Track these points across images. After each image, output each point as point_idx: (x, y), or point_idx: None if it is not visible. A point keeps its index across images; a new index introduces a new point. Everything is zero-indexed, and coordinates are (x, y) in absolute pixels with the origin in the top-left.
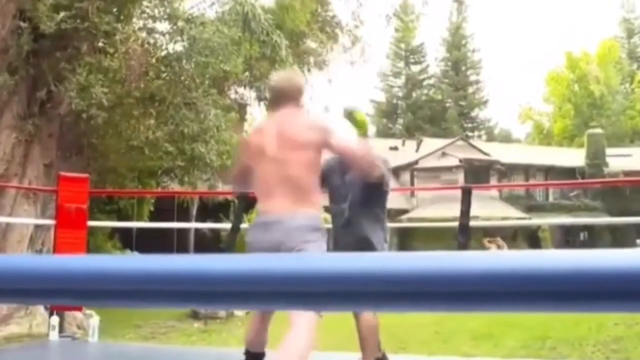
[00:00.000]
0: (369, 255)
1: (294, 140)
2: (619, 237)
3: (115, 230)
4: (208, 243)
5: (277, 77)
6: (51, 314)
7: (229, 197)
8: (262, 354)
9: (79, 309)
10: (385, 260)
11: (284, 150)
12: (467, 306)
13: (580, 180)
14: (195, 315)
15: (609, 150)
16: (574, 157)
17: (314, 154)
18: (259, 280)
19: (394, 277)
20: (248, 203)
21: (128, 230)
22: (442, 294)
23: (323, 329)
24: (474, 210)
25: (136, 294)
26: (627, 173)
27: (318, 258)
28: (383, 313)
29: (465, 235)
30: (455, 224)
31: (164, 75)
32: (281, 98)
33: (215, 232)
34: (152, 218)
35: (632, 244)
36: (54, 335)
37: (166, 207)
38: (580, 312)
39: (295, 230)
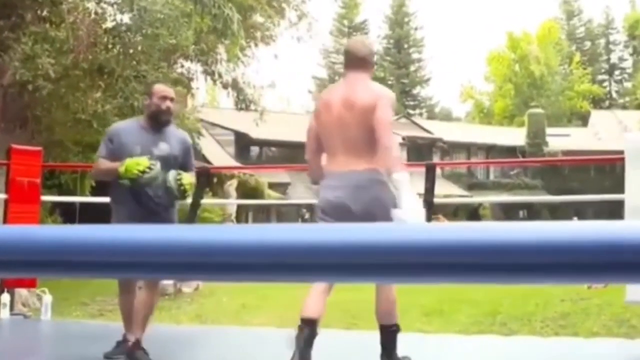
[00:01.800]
0: (326, 227)
1: (355, 104)
2: (557, 215)
3: (55, 205)
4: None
5: (352, 41)
6: (1, 292)
7: None
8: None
9: (33, 284)
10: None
11: (346, 112)
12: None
13: (520, 159)
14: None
15: (548, 130)
16: (515, 136)
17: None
18: (203, 251)
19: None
20: (208, 178)
21: (69, 206)
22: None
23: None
24: (417, 188)
25: (91, 265)
26: (565, 152)
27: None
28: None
29: (429, 212)
30: None
31: (113, 46)
32: (351, 61)
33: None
34: (94, 193)
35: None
36: (5, 314)
37: (109, 182)
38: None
39: (358, 190)
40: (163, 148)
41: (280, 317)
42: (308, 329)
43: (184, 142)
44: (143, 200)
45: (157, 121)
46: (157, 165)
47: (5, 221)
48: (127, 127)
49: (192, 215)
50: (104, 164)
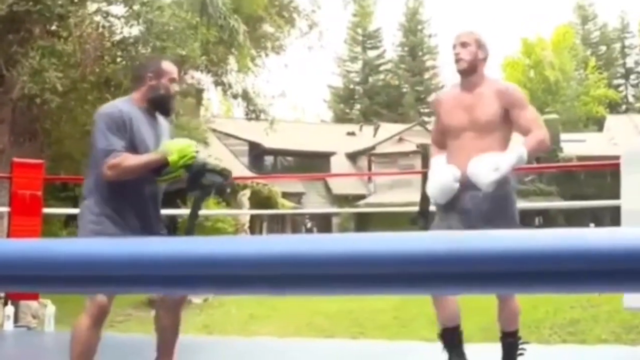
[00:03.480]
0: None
1: None
2: (573, 221)
3: (70, 217)
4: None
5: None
6: (5, 304)
7: None
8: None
9: (35, 297)
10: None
11: None
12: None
13: (535, 165)
14: (151, 304)
15: (563, 136)
16: None
17: None
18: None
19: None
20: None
21: None
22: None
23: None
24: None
25: (95, 280)
26: (581, 158)
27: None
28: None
29: (425, 219)
30: (412, 209)
31: (120, 59)
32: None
33: (172, 219)
34: None
35: (587, 228)
36: (8, 325)
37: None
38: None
39: None
40: (165, 142)
41: (287, 327)
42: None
43: (170, 129)
44: (145, 209)
45: (163, 108)
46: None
47: (8, 233)
48: (133, 112)
49: (191, 226)
50: (131, 158)
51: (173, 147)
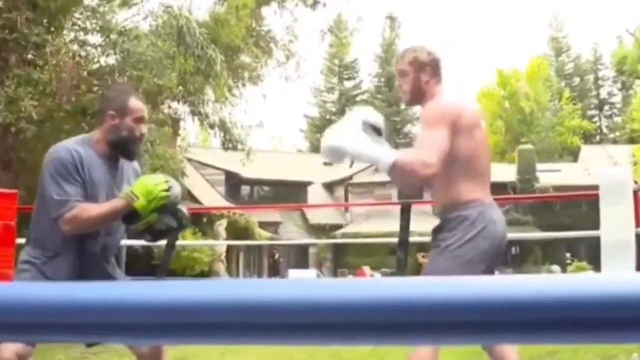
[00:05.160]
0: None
1: None
2: (549, 252)
3: None
4: (141, 260)
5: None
6: None
7: None
8: None
9: None
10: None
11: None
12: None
13: (511, 196)
14: None
15: (539, 166)
16: (506, 172)
17: None
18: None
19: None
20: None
21: None
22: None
23: None
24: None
25: (67, 327)
26: (556, 188)
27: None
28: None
29: (404, 251)
30: (390, 239)
31: (97, 89)
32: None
33: (148, 250)
34: None
35: (563, 258)
36: None
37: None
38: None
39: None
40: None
41: (264, 359)
42: None
43: (138, 174)
44: (92, 250)
45: (126, 153)
46: (172, 181)
47: None
48: (88, 155)
49: (168, 259)
50: (91, 208)
51: (137, 191)
